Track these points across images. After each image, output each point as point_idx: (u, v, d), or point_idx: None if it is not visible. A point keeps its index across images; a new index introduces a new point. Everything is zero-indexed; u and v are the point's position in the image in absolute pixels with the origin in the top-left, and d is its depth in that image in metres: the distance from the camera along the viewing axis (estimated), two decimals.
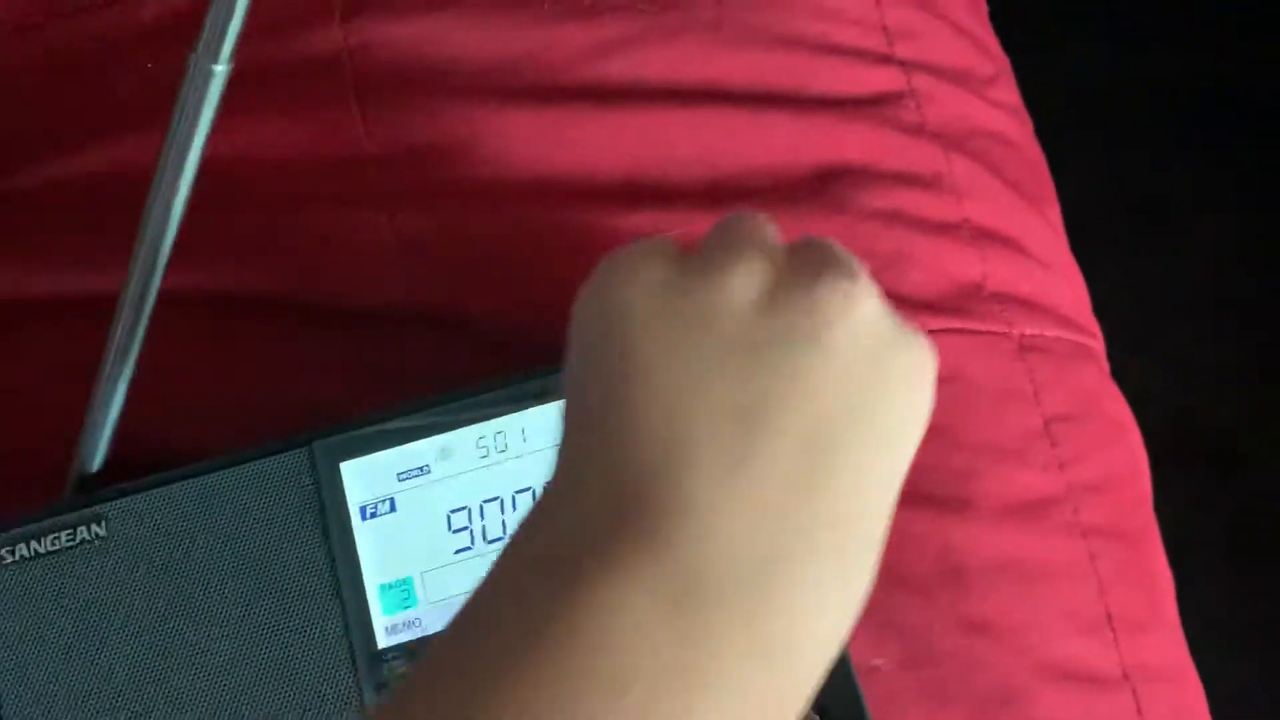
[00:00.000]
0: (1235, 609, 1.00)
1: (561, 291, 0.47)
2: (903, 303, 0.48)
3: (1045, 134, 0.61)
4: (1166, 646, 0.48)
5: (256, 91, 0.51)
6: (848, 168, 0.50)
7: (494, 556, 0.38)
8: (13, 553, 0.39)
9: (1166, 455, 1.01)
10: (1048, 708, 0.44)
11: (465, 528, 0.39)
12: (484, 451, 0.40)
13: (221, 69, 0.33)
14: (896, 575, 0.44)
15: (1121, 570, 0.47)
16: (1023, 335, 0.49)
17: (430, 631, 0.38)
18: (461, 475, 0.40)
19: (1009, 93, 0.58)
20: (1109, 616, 0.46)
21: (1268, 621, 1.01)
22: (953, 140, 0.52)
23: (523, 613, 0.25)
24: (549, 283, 0.48)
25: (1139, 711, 0.45)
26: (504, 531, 0.39)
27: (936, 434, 0.46)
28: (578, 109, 0.50)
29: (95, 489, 0.41)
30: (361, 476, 0.40)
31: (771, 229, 0.33)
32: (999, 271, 0.50)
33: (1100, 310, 0.56)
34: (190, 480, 0.40)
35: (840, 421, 0.27)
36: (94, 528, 0.39)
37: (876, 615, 0.43)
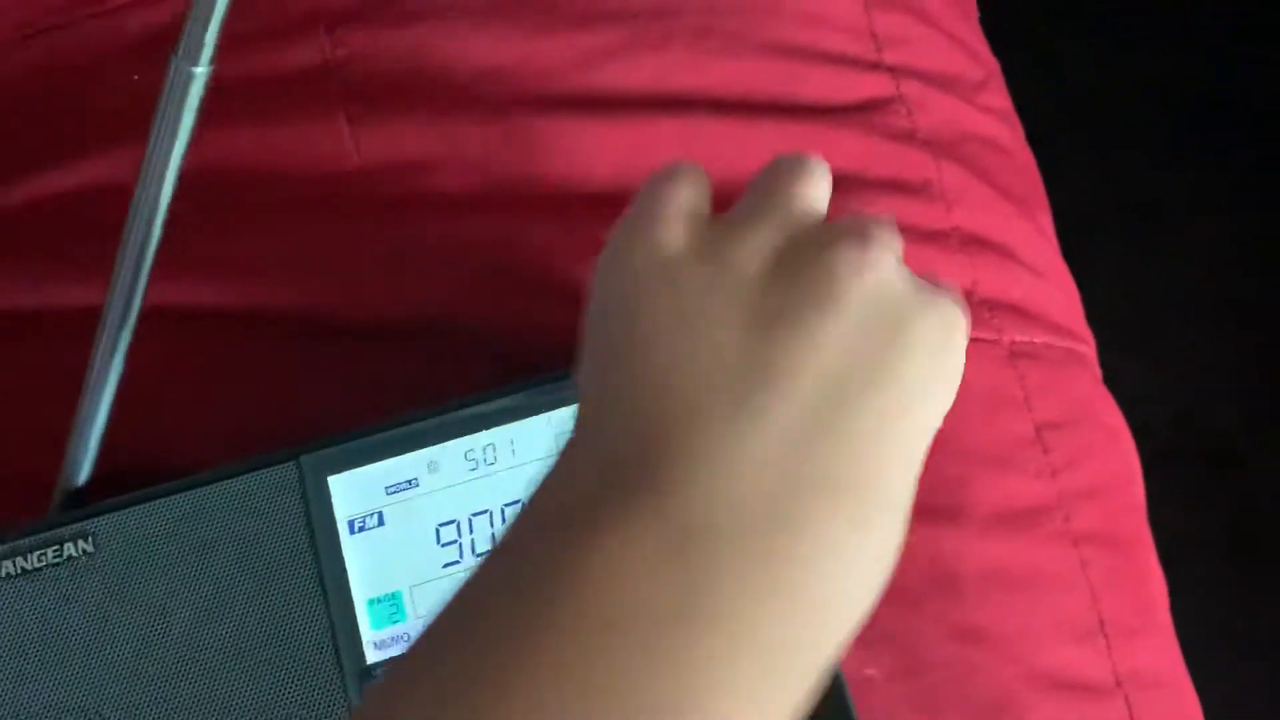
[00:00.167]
0: (1235, 609, 1.00)
1: (551, 302, 0.47)
2: None
3: (1042, 136, 0.61)
4: (1159, 653, 0.48)
5: (244, 102, 0.51)
6: (836, 175, 0.50)
7: None
8: (0, 568, 0.39)
9: (1165, 456, 1.01)
10: (1040, 716, 0.44)
11: (454, 541, 0.39)
12: (473, 464, 0.40)
13: (202, 71, 0.33)
14: (888, 585, 0.44)
15: (1113, 577, 0.47)
16: (1013, 342, 0.49)
17: None
18: (450, 488, 0.40)
19: (999, 98, 0.58)
20: (1101, 624, 0.46)
21: (1268, 622, 1.01)
22: (942, 146, 0.52)
23: (532, 567, 0.26)
24: (538, 293, 0.48)
25: (1132, 719, 0.45)
26: (492, 545, 0.39)
27: None
28: (566, 118, 0.50)
29: (83, 504, 0.41)
30: (349, 490, 0.40)
31: (817, 188, 0.33)
32: (989, 278, 0.50)
33: (1098, 312, 0.56)
34: (178, 495, 0.40)
35: (854, 383, 0.27)
36: (81, 544, 0.39)
37: (868, 625, 0.43)
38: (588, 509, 0.26)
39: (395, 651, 0.38)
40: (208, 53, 0.33)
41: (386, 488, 0.40)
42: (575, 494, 0.27)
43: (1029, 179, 0.57)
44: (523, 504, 0.28)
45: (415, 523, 0.39)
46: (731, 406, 0.27)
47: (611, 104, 0.50)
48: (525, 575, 0.26)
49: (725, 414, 0.27)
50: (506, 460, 0.40)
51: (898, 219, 0.50)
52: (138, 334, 0.40)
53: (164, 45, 0.43)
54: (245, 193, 0.49)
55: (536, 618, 0.25)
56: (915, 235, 0.50)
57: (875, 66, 0.53)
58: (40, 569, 0.39)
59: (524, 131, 0.50)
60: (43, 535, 0.39)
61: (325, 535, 0.39)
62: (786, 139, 0.50)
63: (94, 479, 0.41)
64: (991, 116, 0.56)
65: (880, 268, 0.29)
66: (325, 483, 0.40)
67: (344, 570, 0.39)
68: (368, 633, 0.38)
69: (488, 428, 0.41)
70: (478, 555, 0.39)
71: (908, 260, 0.50)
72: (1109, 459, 0.50)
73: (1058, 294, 0.53)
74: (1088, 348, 0.53)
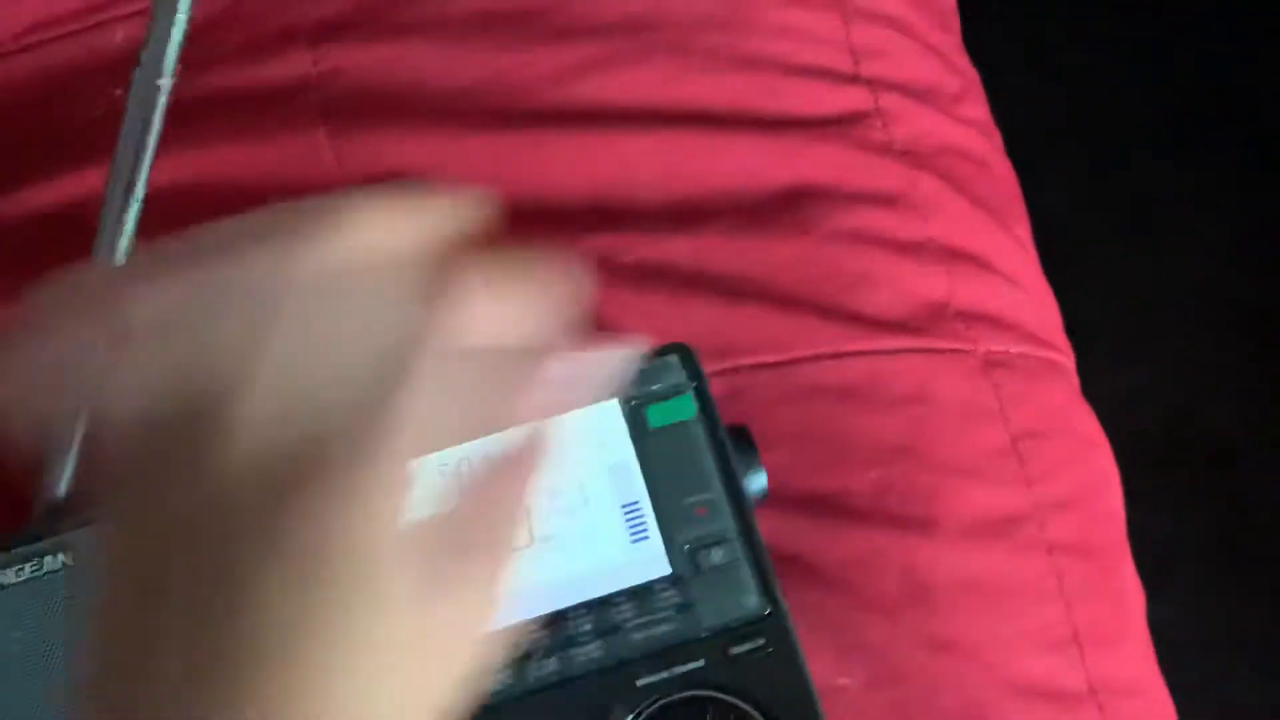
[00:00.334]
0: (1227, 612, 1.00)
1: None
2: (868, 323, 0.49)
3: (1038, 138, 0.61)
4: (1134, 662, 0.48)
5: (225, 117, 0.51)
6: (813, 188, 0.50)
7: None
8: None
9: (1160, 457, 1.02)
10: None
11: None
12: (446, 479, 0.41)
13: (165, 83, 0.34)
14: (861, 595, 0.44)
15: (1089, 586, 0.47)
16: (989, 352, 0.50)
17: None
18: (425, 502, 0.40)
19: (978, 109, 0.59)
20: (1075, 633, 0.46)
21: (1259, 622, 1.01)
22: (919, 158, 0.53)
23: None
24: None
25: None
26: None
27: (901, 453, 0.46)
28: (544, 132, 0.51)
29: (62, 519, 0.41)
30: None
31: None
32: (965, 289, 0.51)
33: (1093, 314, 0.56)
34: None
35: None
36: (59, 557, 0.39)
37: (842, 635, 0.44)
38: None
39: None
40: (170, 64, 0.33)
41: None
42: None
43: (1007, 190, 0.57)
44: None
45: None
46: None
47: (589, 118, 0.51)
48: None
49: None
50: None
51: (875, 231, 0.51)
52: None
53: None
54: (225, 207, 0.49)
55: None
56: (892, 247, 0.50)
57: (853, 79, 0.54)
58: (19, 583, 0.39)
59: (503, 146, 0.50)
60: (21, 550, 0.39)
61: None
62: (762, 152, 0.51)
63: (72, 492, 0.42)
64: (969, 128, 0.56)
65: None
66: None
67: None
68: None
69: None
70: None
71: (885, 269, 0.50)
72: (1085, 469, 0.51)
73: (1035, 305, 0.54)
74: (1065, 358, 0.54)
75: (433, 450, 0.23)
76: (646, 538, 0.39)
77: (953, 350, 0.49)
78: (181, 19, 0.32)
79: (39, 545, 0.39)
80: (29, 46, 0.54)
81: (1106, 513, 0.51)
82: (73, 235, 0.47)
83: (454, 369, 0.23)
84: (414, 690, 0.22)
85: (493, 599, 0.25)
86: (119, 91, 0.51)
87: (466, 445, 0.40)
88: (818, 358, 0.47)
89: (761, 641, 0.38)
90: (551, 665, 0.38)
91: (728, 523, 0.39)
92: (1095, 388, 0.55)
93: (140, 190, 0.35)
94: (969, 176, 0.54)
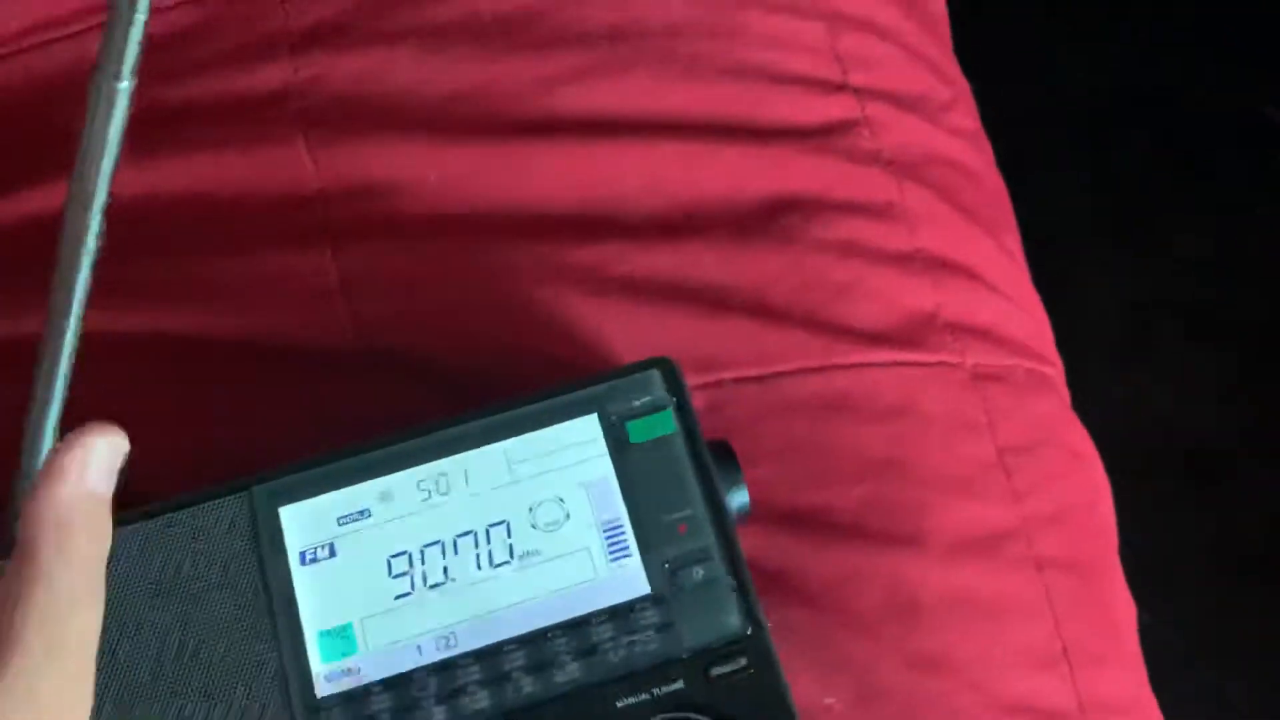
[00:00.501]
0: (1217, 621, 1.00)
1: (511, 328, 0.47)
2: (854, 335, 0.48)
3: (1034, 145, 0.61)
4: (1125, 679, 0.48)
5: (205, 127, 0.51)
6: (799, 198, 0.50)
7: (434, 602, 0.38)
8: None
9: (1149, 467, 1.01)
10: None
11: (406, 573, 0.39)
12: (425, 494, 0.40)
13: (125, 85, 0.33)
14: (846, 613, 0.44)
15: (1078, 603, 0.47)
16: (977, 365, 0.49)
17: (370, 680, 0.37)
18: (402, 519, 0.40)
19: (968, 119, 0.58)
20: (1065, 650, 0.45)
21: (1250, 634, 1.00)
22: (907, 168, 0.52)
23: None
24: (499, 320, 0.47)
25: None
26: (444, 576, 0.39)
27: (886, 468, 0.46)
28: (528, 142, 0.50)
29: None
30: (301, 521, 0.39)
31: None
32: (953, 301, 0.50)
33: (1086, 322, 0.56)
34: (128, 526, 0.39)
35: None
36: None
37: (826, 653, 0.43)
38: None
39: (346, 685, 0.37)
40: (129, 65, 0.32)
41: (338, 518, 0.40)
42: None
43: (996, 201, 0.57)
44: None
45: (367, 554, 0.39)
46: None
47: (573, 128, 0.50)
48: None
49: None
50: (459, 490, 0.40)
51: (862, 241, 0.50)
52: (88, 361, 0.39)
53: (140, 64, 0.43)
54: (202, 217, 0.49)
55: None
56: (879, 258, 0.50)
57: (840, 88, 0.53)
58: None
59: (485, 155, 0.50)
60: None
61: (276, 566, 0.39)
62: (748, 162, 0.50)
63: None
64: (958, 139, 0.56)
65: None
66: (277, 513, 0.39)
67: (295, 602, 0.38)
68: (318, 665, 0.38)
69: (441, 457, 0.40)
70: (429, 587, 0.39)
71: (872, 280, 0.50)
72: (1074, 483, 0.50)
73: (1024, 317, 0.53)
74: (1055, 371, 0.53)
75: None
76: (626, 556, 0.39)
77: (940, 363, 0.48)
78: (141, 19, 0.32)
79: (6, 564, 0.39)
80: (29, 47, 0.53)
81: (1097, 527, 0.51)
82: (37, 254, 0.46)
83: None
84: None
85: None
86: None
87: (444, 460, 0.40)
88: (803, 371, 0.47)
89: (743, 662, 0.37)
90: (529, 686, 0.37)
91: (709, 540, 0.39)
92: (1084, 399, 0.54)
93: (102, 199, 0.34)
94: (958, 187, 0.54)
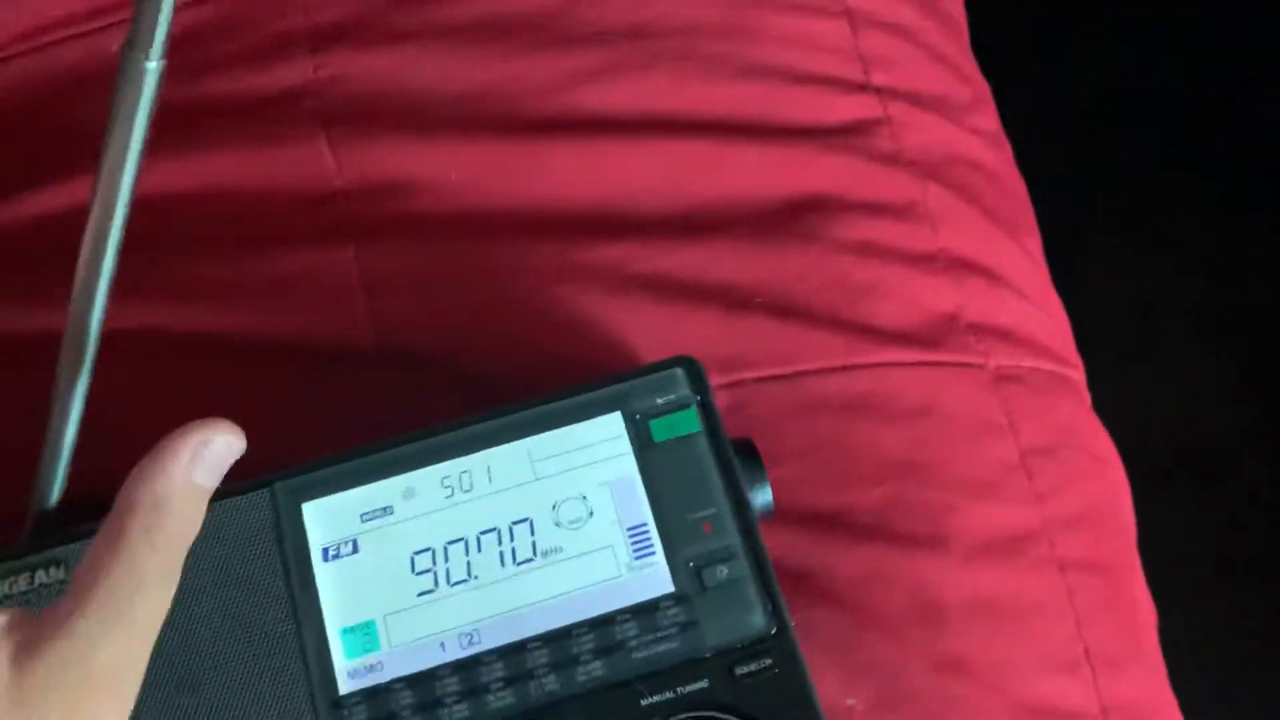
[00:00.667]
0: (1228, 623, 0.99)
1: (532, 327, 0.47)
2: (876, 335, 0.48)
3: (1046, 147, 0.60)
4: (1147, 682, 0.48)
5: (225, 125, 0.51)
6: (820, 198, 0.50)
7: (457, 599, 0.38)
8: None
9: (1160, 468, 1.01)
10: None
11: (429, 570, 0.39)
12: (449, 491, 0.40)
13: (154, 66, 0.33)
14: (869, 614, 0.43)
15: (1100, 605, 0.46)
16: (999, 366, 0.49)
17: (392, 676, 0.37)
18: (426, 516, 0.40)
19: (988, 119, 0.58)
20: (1087, 653, 0.45)
21: (1259, 633, 1.00)
22: (929, 169, 0.52)
23: None
24: (519, 318, 0.47)
25: None
26: (467, 574, 0.39)
27: (909, 469, 0.46)
28: (548, 140, 0.50)
29: (55, 531, 0.40)
30: (324, 517, 0.39)
31: None
32: (975, 302, 0.50)
33: (1095, 322, 0.56)
34: None
35: None
36: (53, 571, 0.39)
37: (849, 655, 0.43)
38: None
39: (368, 682, 0.37)
40: (159, 45, 0.32)
41: (362, 515, 0.39)
42: None
43: (1017, 202, 0.56)
44: None
45: (390, 550, 0.39)
46: None
47: (594, 127, 0.50)
48: None
49: None
50: (483, 487, 0.40)
51: (883, 242, 0.50)
52: (109, 356, 0.39)
53: None
54: (223, 214, 0.49)
55: None
56: (900, 258, 0.50)
57: (862, 88, 0.53)
58: (12, 596, 0.38)
59: (506, 154, 0.50)
60: (14, 563, 0.39)
61: (299, 563, 0.39)
62: (769, 161, 0.50)
63: (66, 506, 0.41)
64: (980, 139, 0.56)
65: None
66: (299, 509, 0.39)
67: (317, 598, 0.38)
68: (341, 662, 0.38)
69: (464, 454, 0.40)
70: (452, 584, 0.39)
71: (893, 280, 0.49)
72: (1096, 485, 0.50)
73: (1046, 318, 0.53)
74: (1077, 373, 0.53)
75: None
76: (650, 554, 0.39)
77: (962, 364, 0.48)
78: (170, 0, 0.32)
79: (32, 559, 0.39)
80: (33, 49, 0.53)
81: (1117, 529, 0.50)
82: (70, 243, 0.46)
83: None
84: None
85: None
86: None
87: (468, 458, 0.40)
88: (825, 370, 0.47)
89: (767, 661, 0.37)
90: (552, 684, 0.37)
91: (733, 539, 0.39)
92: (1093, 399, 0.54)
93: (130, 179, 0.34)
94: (979, 187, 0.54)
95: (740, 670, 0.37)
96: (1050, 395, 0.50)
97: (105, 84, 0.52)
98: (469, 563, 0.39)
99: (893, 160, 0.52)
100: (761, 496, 0.40)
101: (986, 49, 0.63)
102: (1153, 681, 0.48)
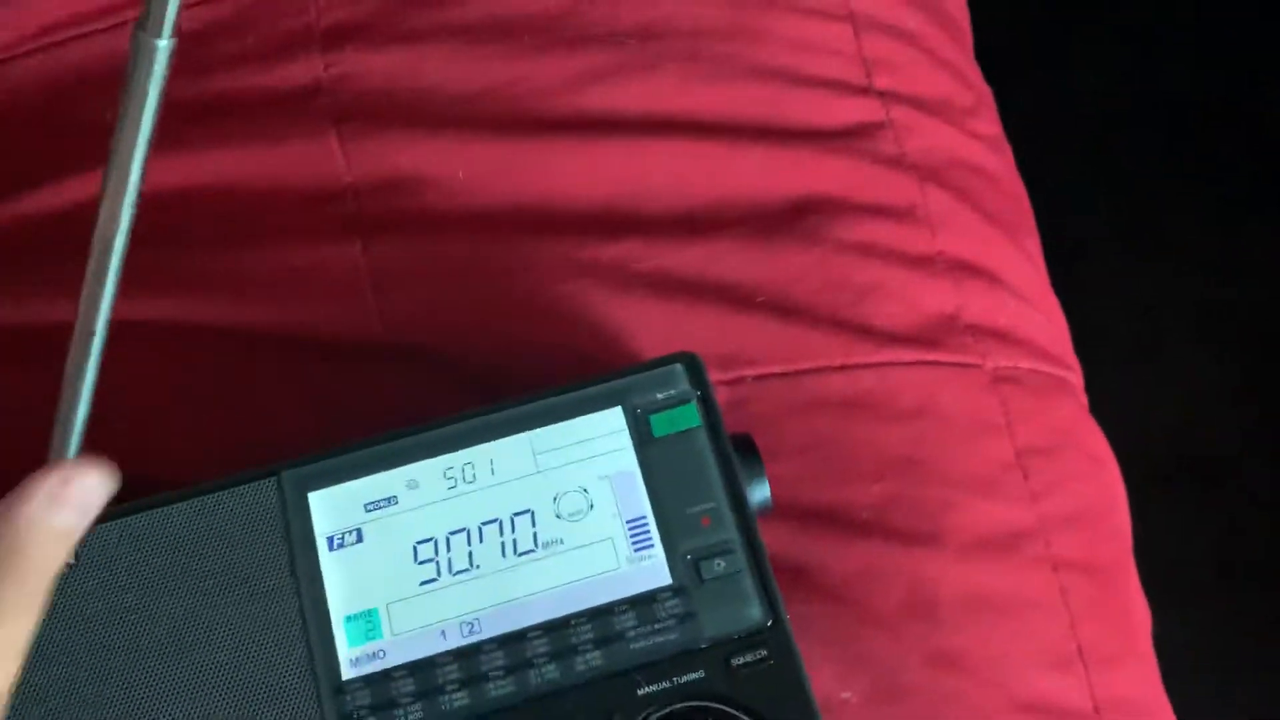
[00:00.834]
0: (1226, 626, 1.00)
1: (537, 324, 0.48)
2: (876, 335, 0.48)
3: (1048, 150, 0.61)
4: (1140, 682, 0.48)
5: (236, 121, 0.51)
6: (822, 199, 0.50)
7: (458, 588, 0.39)
8: None
9: (1159, 471, 1.01)
10: None
11: (431, 559, 0.39)
12: (451, 483, 0.41)
13: (165, 44, 0.33)
14: (865, 608, 0.44)
15: (1094, 604, 0.47)
16: (997, 367, 0.49)
17: (394, 664, 0.38)
18: (429, 506, 0.40)
19: (989, 124, 0.59)
20: (1080, 651, 0.46)
21: (1258, 637, 1.00)
22: (929, 171, 0.53)
23: None
24: (524, 315, 0.48)
25: None
26: (469, 563, 0.39)
27: (906, 466, 0.46)
28: (555, 139, 0.51)
29: None
30: (329, 506, 0.40)
31: None
32: (974, 303, 0.50)
33: (1095, 325, 0.56)
34: (158, 509, 0.40)
35: None
36: None
37: (844, 648, 0.44)
38: None
39: (371, 669, 0.38)
40: (169, 24, 0.33)
41: (366, 504, 0.40)
42: None
43: (1018, 206, 0.57)
44: None
45: (393, 540, 0.40)
46: None
47: (599, 126, 0.51)
48: None
49: None
50: (485, 479, 0.40)
51: (884, 243, 0.51)
52: (118, 347, 0.40)
53: None
54: (233, 209, 0.49)
55: None
56: (901, 259, 0.50)
57: (865, 91, 0.54)
58: None
59: (513, 152, 0.50)
60: None
61: (304, 551, 0.39)
62: (772, 162, 0.51)
63: None
64: (981, 143, 0.56)
65: None
66: (305, 498, 0.40)
67: (322, 586, 0.39)
68: (344, 649, 0.38)
69: (467, 446, 0.41)
70: (454, 573, 0.39)
71: (894, 281, 0.50)
72: (1091, 486, 0.50)
73: (1044, 321, 0.53)
74: (1074, 375, 0.54)
75: None
76: (649, 546, 0.39)
77: (961, 364, 0.49)
78: None
79: None
80: (44, 47, 0.54)
81: (1113, 530, 0.51)
82: (79, 238, 0.47)
83: None
84: None
85: None
86: None
87: (471, 450, 0.41)
88: (825, 369, 0.47)
89: (763, 653, 0.38)
90: (552, 673, 0.38)
91: (731, 533, 0.39)
92: (1093, 402, 0.55)
93: (141, 158, 0.35)
94: (980, 191, 0.54)
95: (736, 661, 0.38)
96: (1047, 397, 0.50)
97: (112, 82, 0.53)
98: (471, 553, 0.40)
99: (895, 163, 0.52)
100: (760, 492, 0.41)
101: (988, 53, 0.63)
102: (1146, 681, 0.48)
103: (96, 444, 0.41)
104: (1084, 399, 0.54)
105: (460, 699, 0.37)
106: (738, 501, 0.40)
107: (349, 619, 0.39)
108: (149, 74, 0.33)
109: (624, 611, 0.38)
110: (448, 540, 0.40)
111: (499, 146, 0.50)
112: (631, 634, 0.38)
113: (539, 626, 0.38)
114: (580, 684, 0.38)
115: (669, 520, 0.40)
